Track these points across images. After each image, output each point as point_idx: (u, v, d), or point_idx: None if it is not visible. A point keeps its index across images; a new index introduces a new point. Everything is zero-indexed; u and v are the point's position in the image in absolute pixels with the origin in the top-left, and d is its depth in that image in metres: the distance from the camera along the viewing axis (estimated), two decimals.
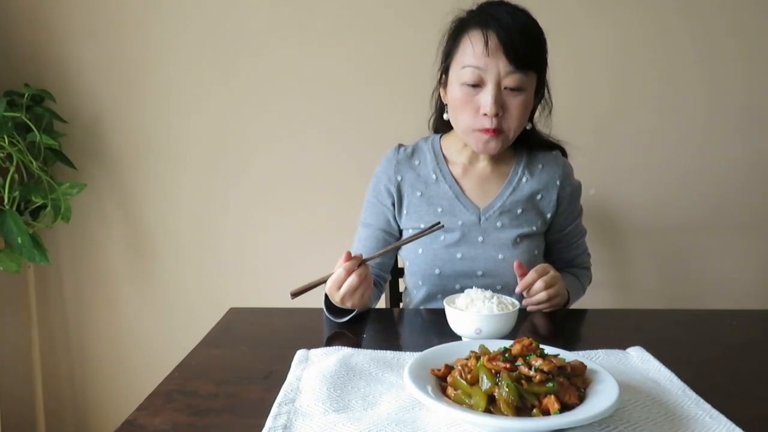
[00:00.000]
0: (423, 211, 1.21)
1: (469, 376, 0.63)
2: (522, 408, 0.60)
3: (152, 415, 0.67)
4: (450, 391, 0.64)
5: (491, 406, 0.60)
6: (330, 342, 0.91)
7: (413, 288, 1.24)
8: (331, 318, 1.02)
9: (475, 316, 0.84)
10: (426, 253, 1.18)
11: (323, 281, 0.99)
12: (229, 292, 1.89)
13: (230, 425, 0.65)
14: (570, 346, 0.76)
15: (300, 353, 0.83)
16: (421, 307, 1.22)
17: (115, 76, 1.80)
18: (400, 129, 1.49)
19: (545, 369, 0.62)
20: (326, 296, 1.01)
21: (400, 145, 1.27)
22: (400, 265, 1.37)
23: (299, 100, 1.80)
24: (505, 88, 1.07)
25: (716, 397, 0.68)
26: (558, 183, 1.22)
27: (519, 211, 1.20)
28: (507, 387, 0.60)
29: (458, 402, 0.62)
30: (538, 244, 1.22)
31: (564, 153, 1.29)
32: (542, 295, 1.04)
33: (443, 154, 1.24)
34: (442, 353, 0.72)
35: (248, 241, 1.88)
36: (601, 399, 0.61)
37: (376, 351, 0.83)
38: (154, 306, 1.92)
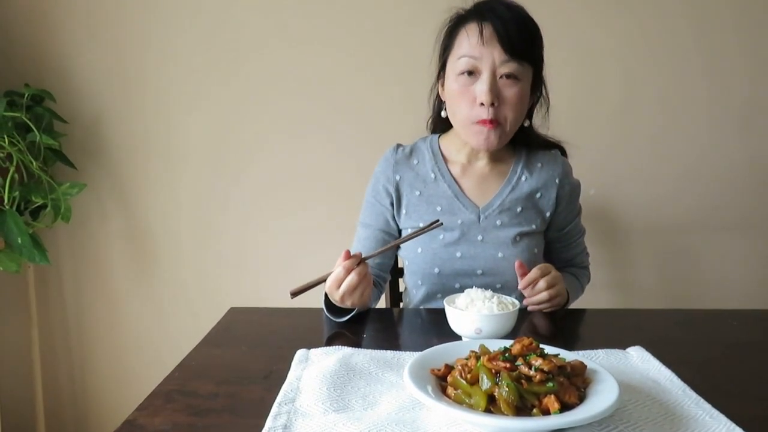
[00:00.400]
0: (422, 211, 1.21)
1: (469, 376, 0.63)
2: (522, 408, 0.60)
3: (152, 415, 0.67)
4: (450, 390, 0.64)
5: (491, 405, 0.60)
6: (330, 342, 0.91)
7: (413, 287, 1.24)
8: (331, 317, 1.02)
9: (475, 316, 0.84)
10: (425, 252, 1.18)
11: (323, 280, 0.99)
12: (229, 292, 1.89)
13: (230, 425, 0.65)
14: (570, 346, 0.76)
15: (300, 353, 0.83)
16: (421, 307, 1.22)
17: (115, 76, 1.80)
18: (399, 129, 1.49)
19: (545, 369, 0.62)
20: (326, 295, 1.01)
21: (398, 145, 1.27)
22: (399, 265, 1.37)
23: (299, 100, 1.80)
24: (501, 76, 1.08)
25: (716, 397, 0.68)
26: (557, 181, 1.22)
27: (518, 209, 1.20)
28: (507, 387, 0.60)
29: (458, 402, 0.62)
30: (538, 242, 1.22)
31: (563, 152, 1.29)
32: (544, 295, 1.04)
33: (442, 154, 1.24)
34: (442, 353, 0.72)
35: (248, 241, 1.88)
36: (601, 399, 0.61)
37: (376, 351, 0.83)
38: (154, 306, 1.92)
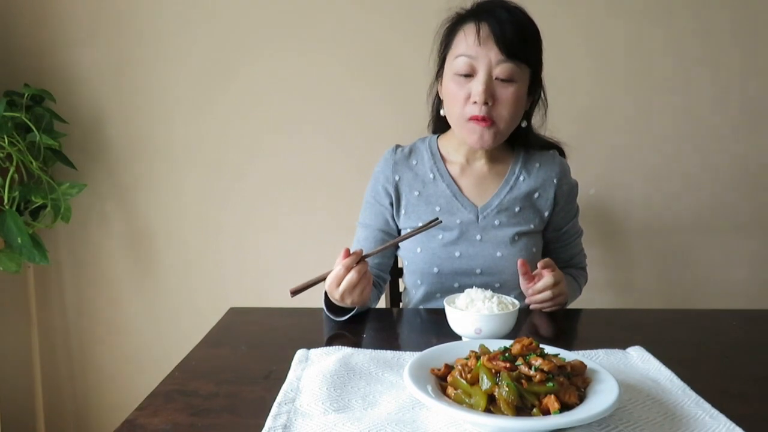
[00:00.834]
0: (421, 211, 1.21)
1: (469, 376, 0.63)
2: (522, 408, 0.60)
3: (152, 415, 0.67)
4: (450, 390, 0.64)
5: (491, 405, 0.60)
6: (330, 342, 0.91)
7: (412, 287, 1.24)
8: (331, 317, 1.02)
9: (475, 316, 0.84)
10: (424, 251, 1.19)
11: (322, 279, 0.99)
12: (229, 292, 1.89)
13: (230, 425, 0.65)
14: (570, 346, 0.76)
15: (300, 353, 0.83)
16: (421, 306, 1.23)
17: (115, 76, 1.80)
18: (398, 130, 1.49)
19: (545, 368, 0.62)
20: (326, 294, 1.01)
21: (397, 146, 1.27)
22: (399, 264, 1.37)
23: (299, 100, 1.80)
24: (497, 78, 1.08)
25: (716, 397, 0.68)
26: (555, 181, 1.22)
27: (517, 209, 1.20)
28: (507, 386, 0.60)
29: (458, 402, 0.62)
30: (536, 242, 1.22)
31: (561, 152, 1.29)
32: (547, 294, 1.04)
33: (440, 154, 1.24)
34: (442, 353, 0.72)
35: (249, 241, 1.88)
36: (601, 399, 0.61)
37: (376, 351, 0.83)
38: (154, 306, 1.92)
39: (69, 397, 1.98)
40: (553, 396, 0.59)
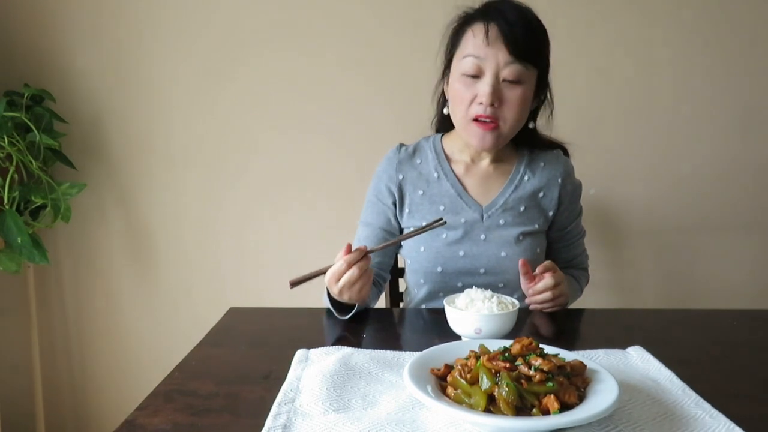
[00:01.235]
0: (425, 210, 1.21)
1: (469, 376, 0.63)
2: (522, 408, 0.60)
3: (152, 415, 0.67)
4: (450, 390, 0.64)
5: (491, 405, 0.60)
6: (330, 342, 0.91)
7: (414, 286, 1.24)
8: (333, 311, 1.02)
9: (475, 316, 0.84)
10: (428, 251, 1.18)
11: (323, 272, 0.99)
12: (229, 292, 1.89)
13: (230, 425, 0.65)
14: (570, 346, 0.76)
15: (300, 353, 0.83)
16: (423, 306, 1.23)
17: (115, 76, 1.80)
18: (400, 129, 1.49)
19: (545, 368, 0.62)
20: (328, 290, 1.01)
21: (401, 145, 1.27)
22: (400, 264, 1.37)
23: (299, 100, 1.80)
24: (504, 80, 1.08)
25: (716, 397, 0.68)
26: (559, 181, 1.22)
27: (521, 208, 1.20)
28: (507, 386, 0.60)
29: (458, 402, 0.62)
30: (540, 242, 1.22)
31: (566, 152, 1.29)
32: (548, 294, 1.04)
33: (445, 153, 1.24)
34: (442, 353, 0.72)
35: (248, 241, 1.88)
36: (601, 399, 0.61)
37: (376, 351, 0.83)
38: (153, 306, 1.92)
39: (69, 397, 1.98)
40: (552, 396, 0.59)
